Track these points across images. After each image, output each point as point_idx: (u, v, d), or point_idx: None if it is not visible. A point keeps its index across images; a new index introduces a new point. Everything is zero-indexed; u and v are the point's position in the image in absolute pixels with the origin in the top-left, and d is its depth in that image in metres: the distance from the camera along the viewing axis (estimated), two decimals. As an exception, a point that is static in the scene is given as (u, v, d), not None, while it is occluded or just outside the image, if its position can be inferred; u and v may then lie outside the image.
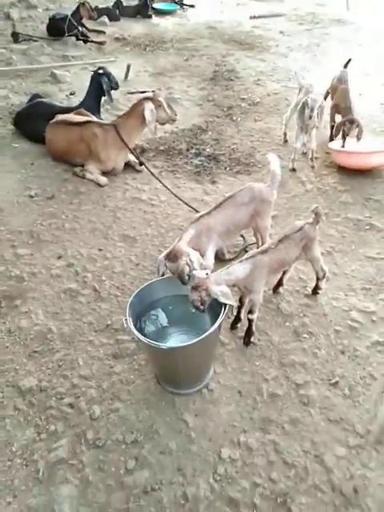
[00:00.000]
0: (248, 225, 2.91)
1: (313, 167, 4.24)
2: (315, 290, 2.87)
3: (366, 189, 3.98)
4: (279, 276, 2.81)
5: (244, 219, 2.83)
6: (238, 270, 2.32)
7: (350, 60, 4.63)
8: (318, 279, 2.82)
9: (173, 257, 2.34)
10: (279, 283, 2.87)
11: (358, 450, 2.09)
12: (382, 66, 6.89)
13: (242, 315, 2.64)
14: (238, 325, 2.67)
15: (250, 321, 2.53)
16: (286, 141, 4.75)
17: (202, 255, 2.56)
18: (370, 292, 2.93)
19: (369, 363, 2.49)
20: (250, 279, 2.37)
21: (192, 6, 10.23)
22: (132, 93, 5.67)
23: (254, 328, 2.56)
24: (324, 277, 2.79)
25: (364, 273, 3.09)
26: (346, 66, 4.60)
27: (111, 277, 3.13)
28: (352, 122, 4.08)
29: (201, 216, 2.66)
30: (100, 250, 3.37)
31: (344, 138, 4.15)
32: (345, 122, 4.11)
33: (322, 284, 2.84)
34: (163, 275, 2.47)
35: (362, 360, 2.51)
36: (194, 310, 2.18)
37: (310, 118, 3.80)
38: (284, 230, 2.67)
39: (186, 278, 2.33)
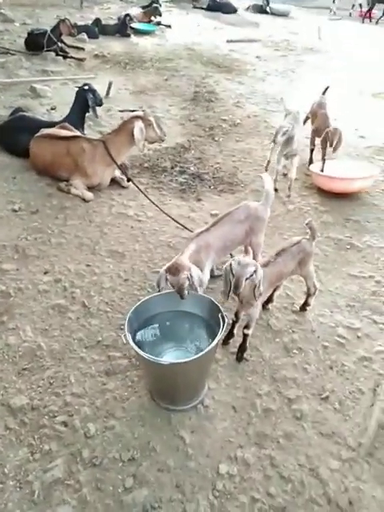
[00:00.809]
0: (243, 242, 2.99)
1: (289, 196, 4.32)
2: (304, 307, 2.96)
3: (346, 210, 4.16)
4: (271, 292, 2.88)
5: (240, 236, 2.90)
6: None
7: (328, 87, 4.87)
8: (308, 295, 2.91)
9: (174, 270, 2.35)
10: (269, 299, 2.94)
11: (350, 462, 2.15)
12: (355, 92, 7.27)
13: (235, 331, 2.69)
14: (230, 341, 2.72)
15: (245, 335, 2.58)
16: (267, 169, 4.83)
17: (201, 271, 2.61)
18: (354, 309, 3.05)
19: (356, 378, 2.58)
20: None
21: (169, 26, 10.48)
22: (122, 111, 5.72)
23: (247, 343, 2.61)
24: (314, 293, 2.88)
25: (347, 290, 3.22)
26: (324, 93, 4.83)
27: (100, 292, 3.12)
28: (336, 130, 4.29)
29: (200, 232, 2.71)
30: (88, 265, 3.35)
31: (323, 160, 4.34)
32: (328, 133, 4.29)
33: (312, 300, 2.93)
34: (160, 290, 2.49)
35: (349, 375, 2.60)
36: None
37: (275, 142, 4.11)
38: (281, 244, 2.77)
39: (185, 292, 2.36)
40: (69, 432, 2.24)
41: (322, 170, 4.33)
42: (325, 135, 4.30)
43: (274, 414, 2.37)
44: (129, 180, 4.11)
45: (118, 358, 2.64)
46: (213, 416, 2.34)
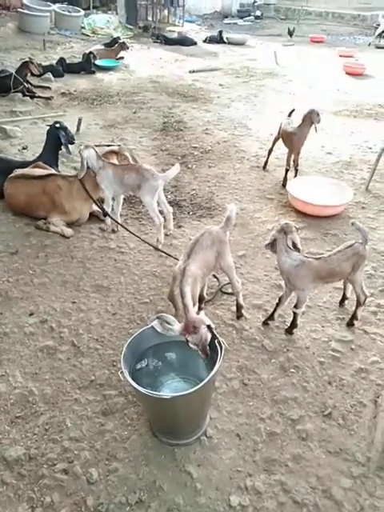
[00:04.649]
0: (214, 266, 2.95)
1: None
2: (352, 321, 3.00)
3: (323, 225, 4.25)
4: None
5: (212, 260, 2.88)
6: (288, 256, 2.74)
7: (293, 110, 5.05)
8: (358, 305, 2.95)
9: (193, 329, 2.19)
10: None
11: (362, 479, 2.13)
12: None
13: (276, 315, 3.02)
14: (269, 322, 3.03)
15: (295, 314, 2.90)
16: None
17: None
18: (344, 321, 3.08)
19: (356, 391, 2.58)
20: (294, 273, 2.73)
21: (122, 58, 10.71)
22: (98, 146, 5.73)
23: (297, 321, 2.92)
24: (364, 302, 2.94)
25: (335, 304, 3.25)
26: (290, 115, 5.00)
27: (89, 330, 3.05)
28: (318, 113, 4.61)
29: (184, 269, 2.58)
30: (73, 302, 3.29)
31: (296, 171, 4.74)
32: (313, 111, 4.59)
33: (360, 311, 2.98)
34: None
35: (349, 388, 2.59)
36: None
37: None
38: (337, 247, 2.92)
39: (207, 348, 2.21)
40: (70, 480, 2.14)
41: (284, 185, 4.86)
42: (309, 114, 4.57)
43: (280, 437, 2.33)
44: (105, 215, 4.08)
45: (113, 397, 2.56)
46: (217, 446, 2.29)
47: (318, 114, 4.61)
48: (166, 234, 3.97)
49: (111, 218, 4.05)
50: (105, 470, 2.18)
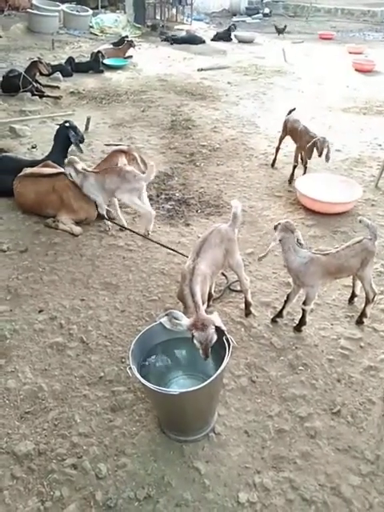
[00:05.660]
0: (223, 264, 2.94)
1: None
2: (361, 318, 2.99)
3: (332, 222, 4.23)
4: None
5: (221, 258, 2.88)
6: (296, 255, 2.73)
7: (294, 109, 5.03)
8: (367, 302, 2.93)
9: (201, 326, 2.19)
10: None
11: (371, 477, 2.12)
12: (325, 109, 7.52)
13: (285, 312, 3.01)
14: (278, 320, 3.04)
15: (304, 311, 2.89)
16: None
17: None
18: (353, 319, 3.06)
19: (365, 388, 2.57)
20: (303, 270, 2.72)
21: (130, 57, 10.76)
22: (109, 144, 5.78)
23: (306, 318, 2.91)
24: (373, 299, 2.93)
25: (344, 301, 3.23)
26: (289, 114, 4.98)
27: (98, 326, 3.07)
28: (324, 140, 4.37)
29: (193, 268, 2.57)
30: (82, 300, 3.31)
31: (305, 167, 4.72)
32: (316, 142, 4.35)
33: (369, 309, 2.96)
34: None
35: (358, 386, 2.58)
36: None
37: None
38: (346, 243, 2.92)
39: (210, 350, 2.21)
40: (79, 475, 2.16)
41: (290, 182, 4.83)
42: (312, 145, 4.38)
43: (288, 435, 2.33)
44: (102, 218, 4.06)
45: (122, 393, 2.58)
46: (226, 443, 2.29)
47: (322, 144, 4.33)
48: (145, 235, 3.96)
49: (113, 223, 4.07)
50: (113, 466, 2.19)
